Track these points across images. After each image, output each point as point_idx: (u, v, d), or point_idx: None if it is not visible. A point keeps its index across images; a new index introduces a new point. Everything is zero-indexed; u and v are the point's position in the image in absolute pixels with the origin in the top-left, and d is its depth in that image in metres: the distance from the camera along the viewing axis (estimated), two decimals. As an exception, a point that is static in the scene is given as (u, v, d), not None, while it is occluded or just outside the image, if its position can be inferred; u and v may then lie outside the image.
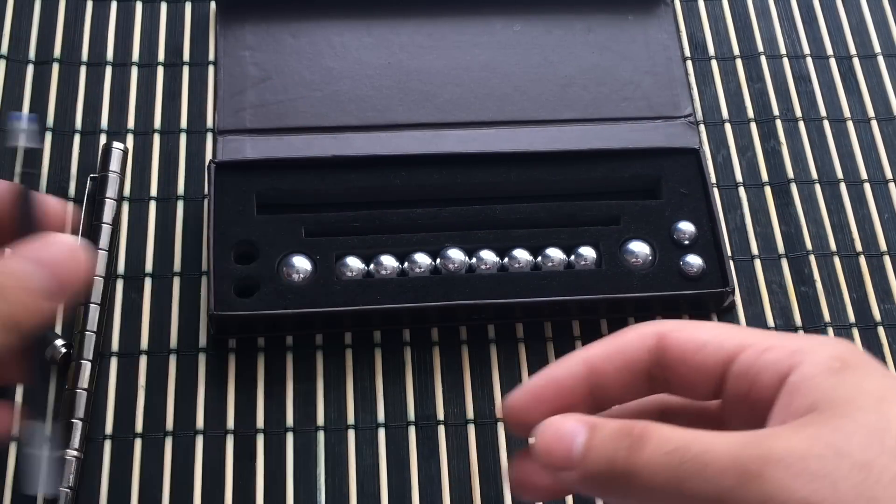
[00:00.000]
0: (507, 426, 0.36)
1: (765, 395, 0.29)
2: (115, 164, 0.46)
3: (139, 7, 0.52)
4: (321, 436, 0.43)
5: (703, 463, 0.26)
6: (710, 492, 0.26)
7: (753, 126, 0.52)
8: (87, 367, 0.42)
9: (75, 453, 0.40)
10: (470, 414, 0.44)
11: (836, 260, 0.49)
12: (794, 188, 0.50)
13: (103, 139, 0.48)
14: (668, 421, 0.30)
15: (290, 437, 0.43)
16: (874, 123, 0.53)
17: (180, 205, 0.47)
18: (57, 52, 0.51)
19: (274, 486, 0.42)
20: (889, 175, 0.51)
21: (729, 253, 0.48)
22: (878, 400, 0.27)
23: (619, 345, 0.33)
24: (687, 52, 0.54)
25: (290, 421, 0.43)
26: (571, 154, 0.48)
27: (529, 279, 0.45)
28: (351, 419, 0.43)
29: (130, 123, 0.49)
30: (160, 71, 0.51)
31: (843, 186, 0.51)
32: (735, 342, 0.31)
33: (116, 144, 0.47)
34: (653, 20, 0.54)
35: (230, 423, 0.43)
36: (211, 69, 0.51)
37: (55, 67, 0.50)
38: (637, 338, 0.32)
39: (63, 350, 0.43)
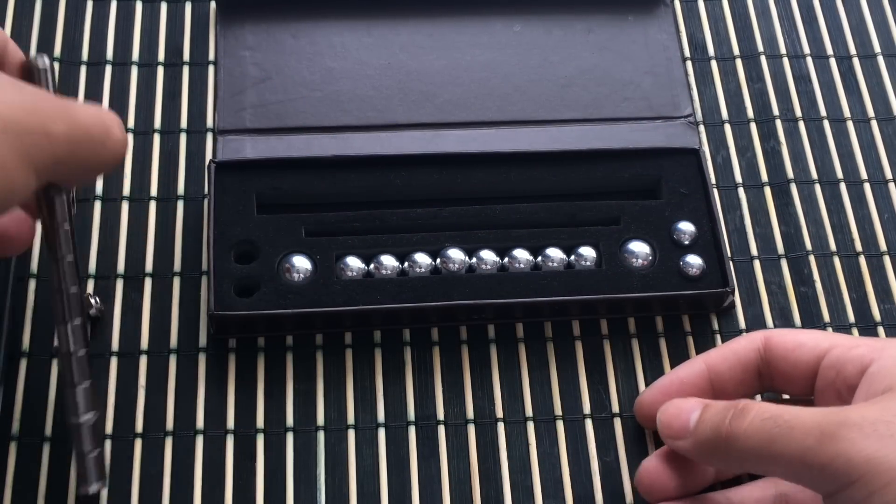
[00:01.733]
0: (637, 419, 0.42)
1: (849, 383, 0.36)
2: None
3: (139, 7, 0.52)
4: (321, 436, 0.43)
5: (791, 427, 0.32)
6: (795, 450, 0.32)
7: (753, 126, 0.52)
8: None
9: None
10: (470, 414, 0.44)
11: (836, 260, 0.49)
12: (793, 188, 0.50)
13: (103, 139, 0.48)
14: None
15: (290, 437, 0.43)
16: (874, 123, 0.53)
17: (180, 205, 0.48)
18: (57, 51, 0.51)
19: (274, 486, 0.42)
20: (889, 175, 0.51)
21: (729, 253, 0.48)
22: None
23: (733, 347, 0.40)
24: (687, 53, 0.54)
25: (290, 421, 0.43)
26: (571, 154, 0.48)
27: (529, 279, 0.45)
28: (351, 419, 0.43)
29: (130, 123, 0.49)
30: (160, 71, 0.51)
31: (842, 186, 0.51)
32: (827, 342, 0.37)
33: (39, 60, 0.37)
34: (653, 20, 0.54)
35: (230, 423, 0.43)
36: (211, 69, 0.51)
37: (55, 67, 0.50)
38: (747, 341, 0.40)
39: (99, 306, 0.44)
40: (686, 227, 0.47)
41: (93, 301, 0.44)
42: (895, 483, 0.30)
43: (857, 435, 0.31)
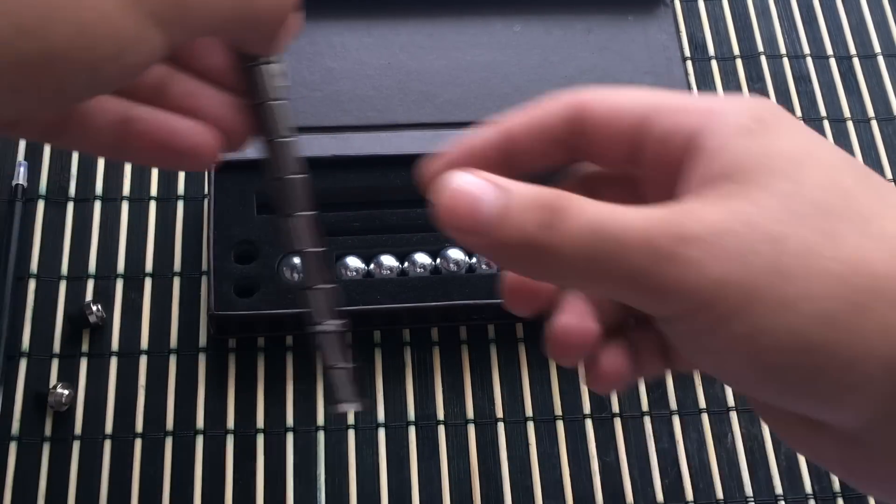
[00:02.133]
0: (421, 192, 0.31)
1: (676, 160, 0.28)
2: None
3: (139, 7, 0.52)
4: (321, 436, 0.43)
5: (618, 243, 0.25)
6: (624, 272, 0.25)
7: (753, 126, 0.52)
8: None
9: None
10: (470, 414, 0.44)
11: (836, 260, 0.49)
12: (794, 188, 0.50)
13: (103, 139, 0.49)
14: (589, 190, 0.29)
15: (290, 437, 0.43)
16: (874, 123, 0.53)
17: (180, 205, 0.47)
18: (57, 52, 0.51)
19: (274, 485, 0.42)
20: (889, 175, 0.51)
21: (729, 253, 0.47)
22: (793, 163, 0.26)
23: (536, 114, 0.31)
24: (687, 53, 0.54)
25: (290, 421, 0.43)
26: (571, 154, 0.48)
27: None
28: (351, 419, 0.43)
29: (130, 123, 0.49)
30: (160, 71, 0.51)
31: (843, 186, 0.51)
32: (650, 105, 0.29)
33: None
34: (653, 20, 0.54)
35: (230, 423, 0.43)
36: (211, 69, 0.51)
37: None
38: (554, 106, 0.31)
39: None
40: (686, 227, 0.47)
41: (94, 308, 0.44)
42: (746, 311, 0.24)
43: (700, 253, 0.24)
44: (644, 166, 0.29)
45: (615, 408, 0.44)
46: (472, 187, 0.27)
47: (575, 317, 0.30)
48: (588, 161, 0.31)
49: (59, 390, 0.42)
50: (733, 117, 0.27)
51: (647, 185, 0.30)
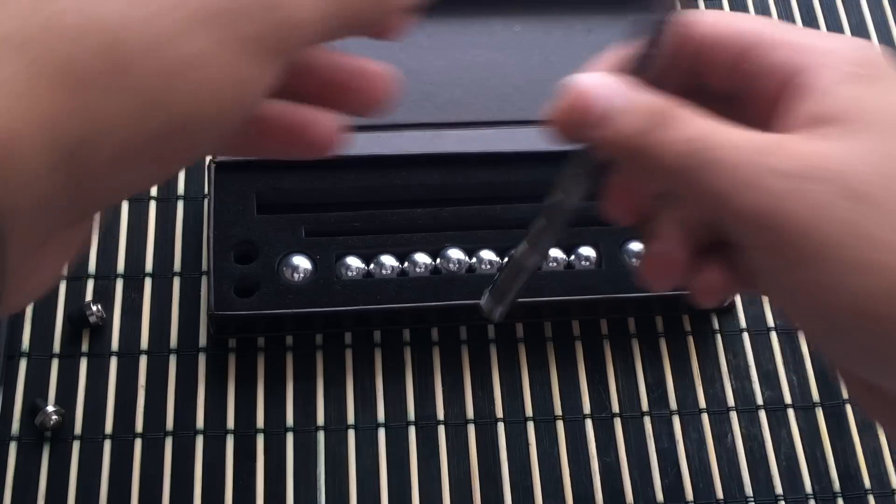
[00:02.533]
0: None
1: (775, 93, 0.28)
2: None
3: (139, 7, 0.52)
4: (321, 436, 0.43)
5: (712, 160, 0.26)
6: (711, 189, 0.26)
7: (753, 126, 0.52)
8: None
9: None
10: (470, 414, 0.44)
11: (836, 260, 0.49)
12: (793, 188, 0.50)
13: (103, 139, 0.49)
14: (698, 100, 0.29)
15: (290, 437, 0.43)
16: (874, 123, 0.53)
17: (180, 205, 0.48)
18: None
19: (274, 486, 0.42)
20: (889, 175, 0.51)
21: (729, 253, 0.48)
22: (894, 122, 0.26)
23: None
24: (687, 53, 0.54)
25: (290, 421, 0.43)
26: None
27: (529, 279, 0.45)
28: (351, 419, 0.43)
29: (130, 123, 0.49)
30: (160, 71, 0.51)
31: (842, 186, 0.51)
32: (755, 35, 0.30)
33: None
34: (653, 20, 0.54)
35: (230, 423, 0.43)
36: (211, 69, 0.51)
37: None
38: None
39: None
40: (686, 227, 0.47)
41: (94, 308, 0.44)
42: (816, 262, 0.25)
43: (778, 188, 0.25)
44: (744, 94, 0.30)
45: (615, 408, 0.44)
46: (595, 83, 0.28)
47: (668, 244, 0.31)
48: (700, 81, 0.32)
49: (51, 412, 0.42)
50: (840, 60, 0.27)
51: (747, 111, 0.30)
